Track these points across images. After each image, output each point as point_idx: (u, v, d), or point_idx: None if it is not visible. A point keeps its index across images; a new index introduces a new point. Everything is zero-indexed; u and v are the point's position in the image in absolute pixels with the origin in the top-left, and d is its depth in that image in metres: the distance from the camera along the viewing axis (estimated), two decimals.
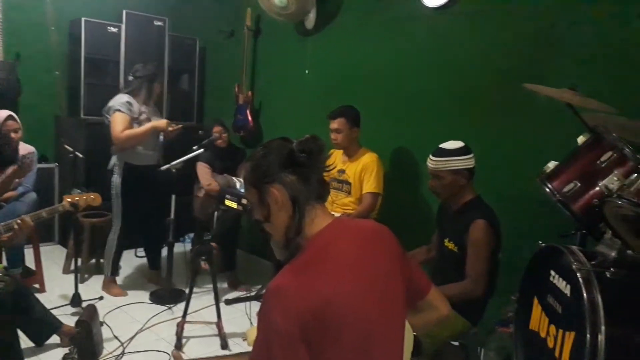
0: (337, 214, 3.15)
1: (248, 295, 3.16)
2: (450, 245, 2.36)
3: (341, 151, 3.32)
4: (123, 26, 4.40)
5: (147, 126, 3.40)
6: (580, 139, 2.02)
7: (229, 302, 2.73)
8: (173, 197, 3.51)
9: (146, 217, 3.60)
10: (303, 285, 1.17)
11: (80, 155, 3.66)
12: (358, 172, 3.20)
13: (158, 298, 3.52)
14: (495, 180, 2.63)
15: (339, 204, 3.31)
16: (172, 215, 3.51)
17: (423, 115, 3.24)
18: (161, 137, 3.60)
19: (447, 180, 2.32)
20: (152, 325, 3.15)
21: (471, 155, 2.32)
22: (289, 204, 1.26)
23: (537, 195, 2.03)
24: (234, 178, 3.40)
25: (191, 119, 4.98)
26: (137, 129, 3.37)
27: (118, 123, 3.30)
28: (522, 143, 2.71)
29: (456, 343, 2.36)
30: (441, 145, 2.36)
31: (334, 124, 3.19)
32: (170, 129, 3.47)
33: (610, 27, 2.44)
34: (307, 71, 4.04)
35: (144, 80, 3.45)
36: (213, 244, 2.94)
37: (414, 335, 1.56)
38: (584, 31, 2.51)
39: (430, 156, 2.36)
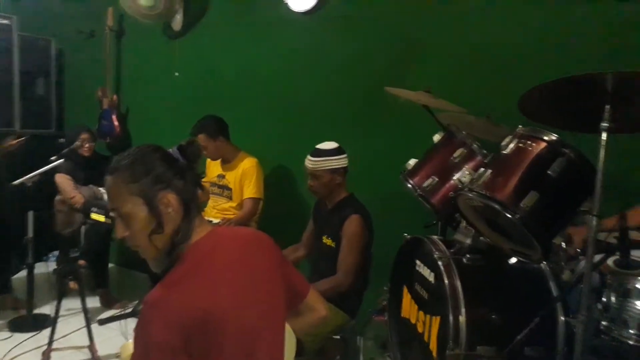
0: (216, 221, 3.10)
1: (123, 312, 2.97)
2: (328, 241, 2.44)
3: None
4: None
5: None
6: (436, 137, 2.20)
7: (102, 322, 2.54)
8: (30, 213, 3.17)
9: None
10: (183, 297, 1.14)
11: None
12: (238, 177, 3.17)
13: (18, 326, 3.17)
14: (365, 178, 2.77)
15: (219, 210, 3.26)
16: (31, 234, 3.17)
17: (299, 119, 3.29)
18: None
19: (325, 179, 2.40)
20: (15, 358, 2.83)
21: (345, 155, 2.43)
22: (181, 209, 1.23)
23: (403, 191, 2.19)
24: (100, 189, 3.17)
25: (49, 126, 4.55)
26: None
27: None
28: (388, 143, 2.89)
29: (337, 337, 2.45)
30: (318, 146, 2.44)
31: (198, 141, 3.14)
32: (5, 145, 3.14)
33: (459, 33, 2.70)
34: (176, 74, 3.90)
35: None
36: (81, 261, 2.72)
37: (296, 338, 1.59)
38: (436, 36, 2.75)
39: (309, 157, 2.43)
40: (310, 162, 2.41)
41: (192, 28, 3.82)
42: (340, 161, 2.40)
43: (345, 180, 2.45)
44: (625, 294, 1.38)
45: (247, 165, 3.16)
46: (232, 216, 3.13)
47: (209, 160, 3.31)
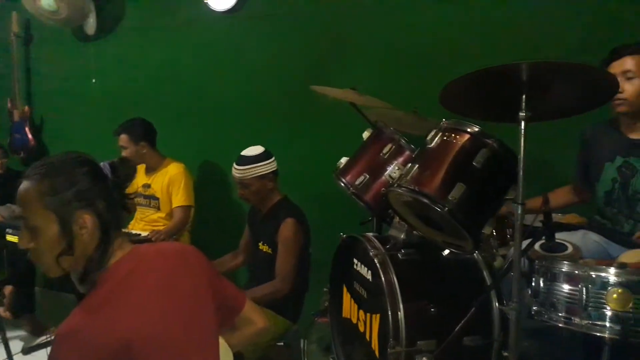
0: (145, 234, 2.95)
1: (50, 339, 2.77)
2: (264, 247, 2.38)
3: (143, 165, 3.10)
4: None
5: None
6: (365, 134, 2.19)
7: (27, 351, 2.38)
8: None
9: None
10: (100, 326, 1.05)
11: None
12: (165, 185, 3.02)
13: None
14: (299, 179, 2.74)
15: (147, 221, 3.10)
16: None
17: (224, 121, 3.21)
18: None
19: (255, 187, 2.33)
20: None
21: (273, 159, 2.37)
22: (98, 233, 1.12)
23: (338, 190, 2.16)
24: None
25: None
26: None
27: None
28: (319, 142, 2.87)
29: (281, 343, 2.40)
30: (243, 153, 2.36)
31: (119, 141, 2.98)
32: None
33: (383, 30, 2.71)
34: (93, 80, 3.69)
35: None
36: (7, 287, 2.52)
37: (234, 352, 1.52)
38: (360, 33, 2.74)
39: (235, 165, 2.35)
40: (237, 171, 2.33)
41: (107, 31, 3.63)
42: (268, 166, 2.34)
43: (277, 183, 2.40)
44: (552, 278, 1.41)
45: (174, 171, 3.02)
46: (162, 227, 2.98)
47: None
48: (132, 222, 3.15)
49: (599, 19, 2.41)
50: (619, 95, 1.77)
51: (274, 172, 2.36)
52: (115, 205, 1.17)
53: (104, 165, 1.18)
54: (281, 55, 2.97)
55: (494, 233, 2.25)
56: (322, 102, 2.56)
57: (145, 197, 3.09)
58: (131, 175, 1.21)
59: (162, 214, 3.06)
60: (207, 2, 3.15)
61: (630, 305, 1.26)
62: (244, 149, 2.38)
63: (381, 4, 2.72)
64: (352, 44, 2.79)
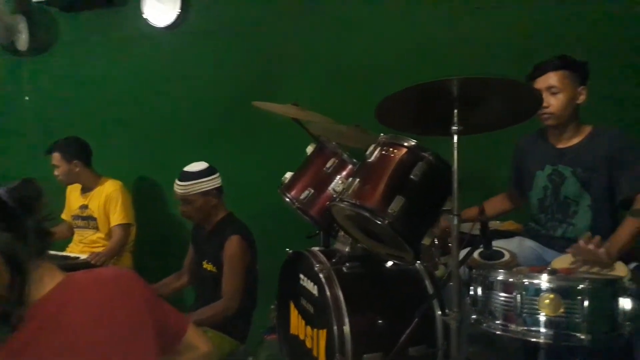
0: (84, 256, 2.82)
1: None
2: (209, 266, 2.32)
3: (78, 185, 2.98)
4: None
5: None
6: (309, 149, 2.19)
7: None
8: None
9: None
10: None
11: None
12: (102, 204, 2.91)
13: None
14: (244, 195, 2.71)
15: (86, 243, 2.97)
16: None
17: (166, 137, 3.15)
18: None
19: (198, 204, 2.28)
20: None
21: (217, 175, 2.33)
22: (5, 268, 1.01)
23: (284, 205, 2.15)
24: None
25: None
26: None
27: None
28: (265, 157, 2.86)
29: None
30: (185, 169, 2.30)
31: (52, 159, 2.86)
32: None
33: (324, 45, 2.75)
34: (26, 98, 3.52)
35: None
36: None
37: None
38: (302, 49, 2.77)
39: (177, 181, 2.29)
40: (179, 187, 2.27)
41: (41, 47, 3.48)
42: (212, 182, 2.29)
43: (222, 199, 2.35)
44: (489, 287, 1.46)
45: (110, 189, 2.91)
46: (101, 248, 2.86)
47: (68, 190, 3.03)
48: (70, 245, 3.02)
49: (534, 31, 2.55)
50: (546, 110, 1.86)
51: (218, 189, 2.32)
52: (27, 232, 1.05)
53: (1, 192, 1.05)
54: (223, 71, 2.95)
55: (436, 242, 2.31)
56: (266, 117, 2.55)
57: (83, 218, 2.97)
58: (35, 196, 1.09)
59: (101, 234, 2.94)
60: (146, 18, 3.10)
61: (561, 310, 1.31)
62: (187, 165, 2.33)
63: (322, 21, 2.75)
64: (293, 60, 2.81)
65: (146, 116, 3.18)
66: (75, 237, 3.01)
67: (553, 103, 1.87)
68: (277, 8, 2.86)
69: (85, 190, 2.97)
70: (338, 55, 2.72)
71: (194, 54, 3.03)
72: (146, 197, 3.22)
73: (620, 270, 1.57)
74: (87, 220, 2.96)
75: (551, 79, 1.86)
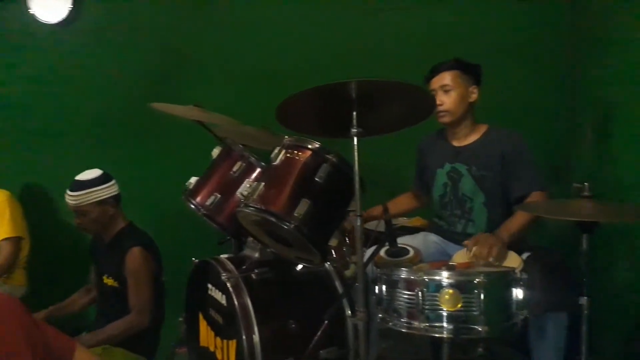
0: None
1: None
2: (109, 281, 2.18)
3: None
4: None
5: None
6: (215, 152, 2.11)
7: None
8: None
9: None
10: None
11: None
12: None
13: None
14: (147, 203, 2.58)
15: None
16: None
17: (57, 143, 2.92)
18: None
19: (93, 214, 2.13)
20: None
21: (113, 182, 2.18)
22: None
23: (190, 211, 2.06)
24: None
25: None
26: None
27: None
28: (168, 161, 2.73)
29: None
30: (77, 178, 2.14)
31: None
32: None
33: (229, 45, 2.67)
34: None
35: None
36: None
37: None
38: (207, 50, 2.67)
39: (68, 192, 2.12)
40: (70, 197, 2.10)
41: None
42: (107, 190, 2.15)
43: (120, 208, 2.21)
44: (393, 285, 1.47)
45: None
46: None
47: None
48: None
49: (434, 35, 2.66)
50: (440, 108, 1.96)
51: (115, 197, 2.18)
52: None
53: None
54: (120, 70, 2.78)
55: (347, 241, 2.33)
56: (169, 119, 2.43)
57: None
58: None
59: None
60: (33, 13, 2.85)
61: (460, 304, 1.35)
62: (80, 173, 2.17)
63: (226, 17, 2.68)
64: (196, 60, 2.71)
65: (35, 120, 2.92)
66: None
67: (446, 100, 1.96)
68: (176, 3, 2.75)
69: None
70: (243, 55, 2.67)
71: (88, 53, 2.83)
72: (40, 208, 2.97)
73: (513, 261, 1.66)
74: None
75: (445, 78, 1.96)
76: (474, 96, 1.99)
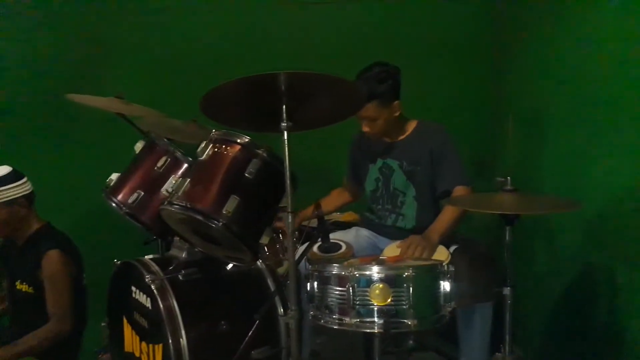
0: None
1: None
2: (23, 287, 2.02)
3: None
4: None
5: None
6: (138, 147, 2.00)
7: None
8: None
9: None
10: None
11: None
12: None
13: None
14: (64, 202, 2.41)
15: None
16: None
17: None
18: None
19: (2, 216, 1.96)
20: None
21: (24, 180, 2.01)
22: None
23: (111, 210, 1.93)
24: None
25: None
26: None
27: None
28: (86, 157, 2.56)
29: None
30: None
31: None
32: None
33: (154, 33, 2.53)
34: None
35: None
36: None
37: None
38: (128, 36, 2.52)
39: None
40: None
41: None
42: (17, 189, 1.97)
43: (33, 209, 2.04)
44: (325, 281, 1.45)
45: None
46: None
47: None
48: None
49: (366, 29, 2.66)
50: (368, 133, 1.97)
51: (27, 196, 2.01)
52: None
53: None
54: (32, 58, 2.55)
55: (281, 237, 2.29)
56: (88, 111, 2.28)
57: None
58: None
59: None
60: None
61: (390, 299, 1.35)
62: None
63: (149, 5, 2.54)
64: (117, 48, 2.54)
65: None
66: None
67: (372, 128, 1.95)
68: None
69: None
70: (169, 43, 2.55)
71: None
72: None
73: (441, 254, 1.69)
74: None
75: (367, 110, 1.88)
76: (397, 110, 1.96)
